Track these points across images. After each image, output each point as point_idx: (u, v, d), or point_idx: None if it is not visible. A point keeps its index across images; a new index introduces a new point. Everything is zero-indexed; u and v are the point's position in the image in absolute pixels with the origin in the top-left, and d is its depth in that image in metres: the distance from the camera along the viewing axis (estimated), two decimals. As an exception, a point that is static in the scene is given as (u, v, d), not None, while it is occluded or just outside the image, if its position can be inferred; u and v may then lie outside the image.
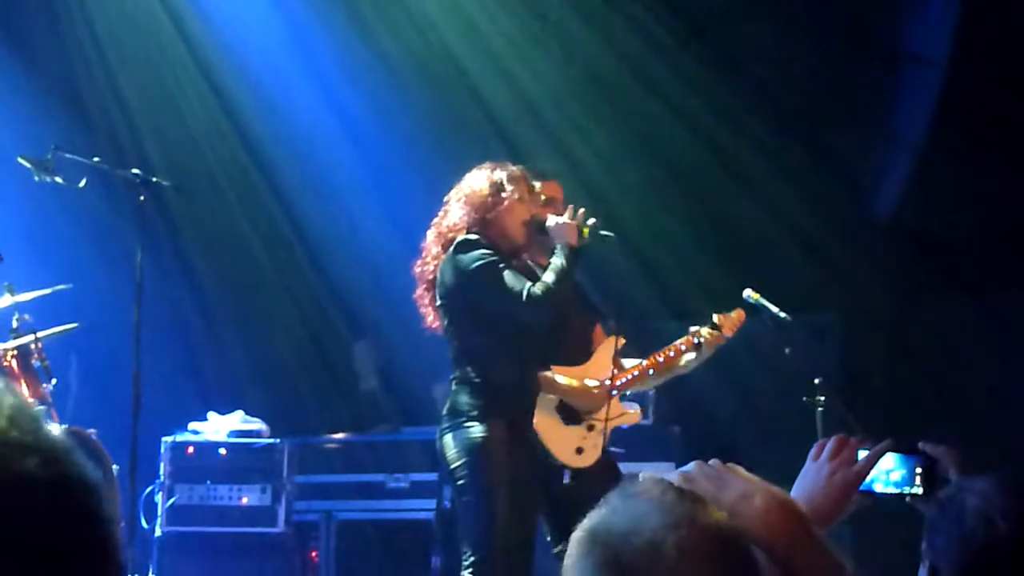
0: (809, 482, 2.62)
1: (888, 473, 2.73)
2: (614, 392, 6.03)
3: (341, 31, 9.69)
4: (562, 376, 5.91)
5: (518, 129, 9.46)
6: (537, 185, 6.05)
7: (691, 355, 6.16)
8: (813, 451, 2.69)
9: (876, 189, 9.47)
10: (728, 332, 6.23)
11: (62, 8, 9.55)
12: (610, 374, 6.01)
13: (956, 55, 8.68)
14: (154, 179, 7.11)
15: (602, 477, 5.80)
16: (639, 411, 6.24)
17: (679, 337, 6.16)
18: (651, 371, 6.18)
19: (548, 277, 5.79)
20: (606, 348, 6.11)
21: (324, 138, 9.81)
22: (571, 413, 5.91)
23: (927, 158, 8.93)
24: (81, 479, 1.04)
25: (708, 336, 6.14)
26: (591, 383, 5.96)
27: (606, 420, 5.96)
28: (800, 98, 9.08)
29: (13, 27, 9.48)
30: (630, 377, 6.14)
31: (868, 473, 2.60)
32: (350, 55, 9.72)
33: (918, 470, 2.74)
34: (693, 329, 6.17)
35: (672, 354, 6.16)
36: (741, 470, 2.13)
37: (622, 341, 6.24)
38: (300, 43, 9.76)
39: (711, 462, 2.12)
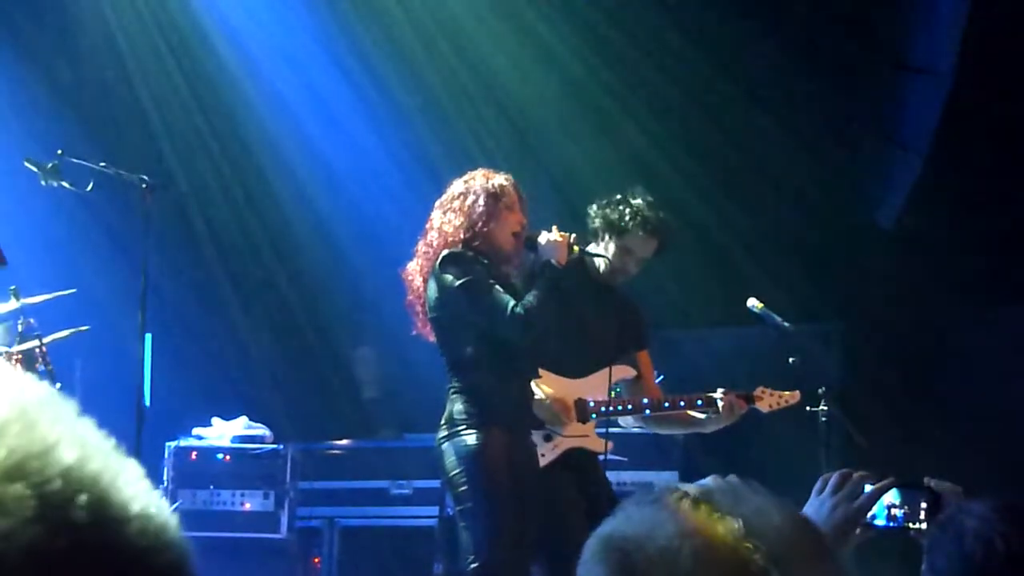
0: (812, 516, 2.65)
1: (891, 508, 2.74)
2: (594, 416, 6.08)
3: (347, 33, 9.71)
4: (538, 383, 5.96)
5: (520, 132, 9.49)
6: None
7: (704, 416, 6.19)
8: (817, 485, 2.71)
9: (881, 198, 9.48)
10: (764, 407, 6.23)
11: (68, 12, 9.57)
12: (595, 396, 6.07)
13: (962, 65, 8.68)
14: (160, 183, 7.12)
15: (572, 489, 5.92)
16: (603, 442, 6.19)
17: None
18: (648, 411, 6.22)
19: (533, 295, 5.77)
20: (615, 372, 6.14)
21: (332, 143, 9.82)
22: (534, 418, 5.96)
23: (932, 167, 8.93)
24: None
25: (730, 400, 6.13)
26: (543, 393, 5.98)
27: (565, 436, 6.01)
28: (805, 108, 9.08)
29: (18, 32, 9.50)
30: (616, 408, 6.17)
31: (870, 509, 2.61)
32: (358, 58, 9.74)
33: (923, 505, 2.73)
34: (723, 391, 6.18)
35: (683, 403, 6.19)
36: (759, 487, 2.13)
37: (631, 372, 6.28)
38: (307, 45, 9.78)
39: (729, 478, 2.12)
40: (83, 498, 0.75)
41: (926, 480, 2.77)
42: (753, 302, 6.81)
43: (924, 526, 2.71)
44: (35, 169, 6.81)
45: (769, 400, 6.26)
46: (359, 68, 9.74)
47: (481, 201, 5.84)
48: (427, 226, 5.98)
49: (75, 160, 6.90)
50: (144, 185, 6.89)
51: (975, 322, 8.69)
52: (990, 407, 8.45)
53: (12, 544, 0.71)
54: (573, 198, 6.79)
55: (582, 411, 6.08)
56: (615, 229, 6.19)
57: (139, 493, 0.80)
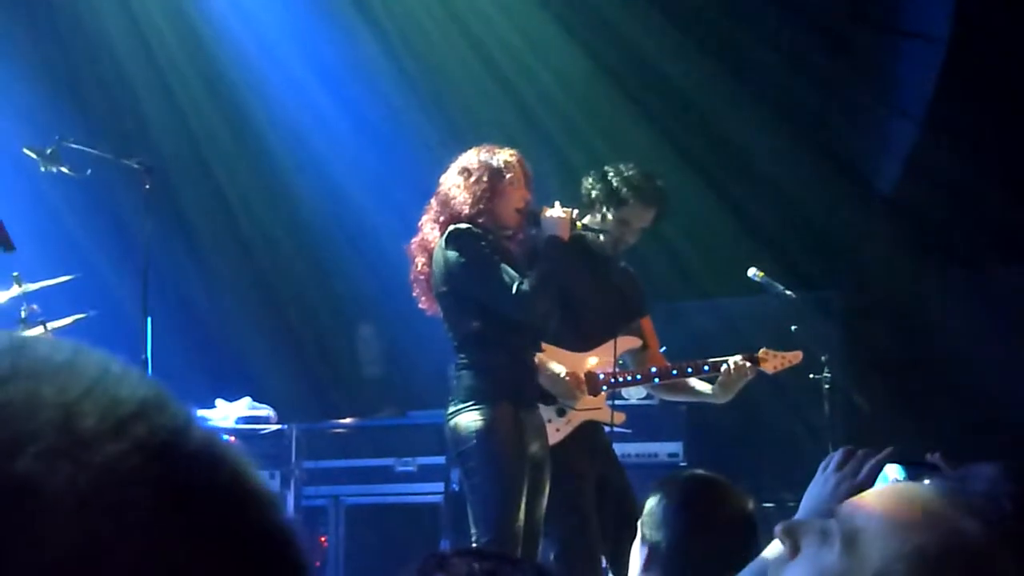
0: (816, 493, 2.72)
1: (895, 484, 2.75)
2: (604, 388, 6.10)
3: (343, 17, 9.70)
4: (547, 358, 5.97)
5: (522, 115, 9.48)
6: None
7: (716, 387, 6.20)
8: (823, 463, 2.75)
9: (878, 166, 9.48)
10: (769, 369, 6.25)
11: (69, 1, 9.56)
12: (603, 368, 6.09)
13: (956, 29, 8.68)
14: (158, 167, 7.12)
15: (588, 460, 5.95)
16: (615, 414, 6.22)
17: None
18: (656, 379, 6.25)
19: (537, 272, 5.78)
20: (620, 344, 6.16)
21: (327, 123, 9.82)
22: (546, 393, 5.97)
23: (928, 135, 8.94)
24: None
25: (736, 363, 6.15)
26: (558, 368, 6.00)
27: (577, 410, 6.03)
28: (800, 77, 9.08)
29: (14, 18, 9.49)
30: (625, 379, 6.20)
31: (873, 483, 2.64)
32: (353, 40, 9.74)
33: (926, 482, 2.74)
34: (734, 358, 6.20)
35: (690, 369, 6.21)
36: None
37: (637, 342, 6.30)
38: (302, 28, 9.78)
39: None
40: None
41: (928, 456, 2.79)
42: (754, 271, 6.83)
43: None
44: (34, 156, 6.82)
45: (773, 361, 6.28)
46: (358, 42, 9.73)
47: (485, 176, 5.82)
48: (431, 201, 5.98)
49: (73, 145, 6.91)
50: (142, 169, 6.90)
51: (972, 286, 8.70)
52: (988, 371, 8.47)
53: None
54: (576, 173, 6.78)
55: (592, 384, 6.10)
56: (612, 200, 6.19)
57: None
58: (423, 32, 9.69)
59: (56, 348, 0.75)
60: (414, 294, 6.02)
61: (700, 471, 3.70)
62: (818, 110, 9.16)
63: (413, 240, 6.00)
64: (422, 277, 5.95)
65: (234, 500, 0.73)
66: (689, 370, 6.27)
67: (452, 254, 5.77)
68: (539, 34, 9.56)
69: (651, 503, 3.38)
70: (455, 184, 5.88)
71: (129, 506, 0.69)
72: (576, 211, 6.03)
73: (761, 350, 6.27)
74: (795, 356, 6.38)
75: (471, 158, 5.92)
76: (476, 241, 5.77)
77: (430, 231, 5.93)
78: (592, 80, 9.59)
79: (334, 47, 9.80)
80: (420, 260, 5.95)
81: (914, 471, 2.75)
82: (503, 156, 5.89)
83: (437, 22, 9.63)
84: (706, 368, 6.25)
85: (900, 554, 1.56)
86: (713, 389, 6.29)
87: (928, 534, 1.59)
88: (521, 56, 9.64)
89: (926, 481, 2.73)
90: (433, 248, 5.86)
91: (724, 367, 6.17)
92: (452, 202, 5.85)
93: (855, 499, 1.70)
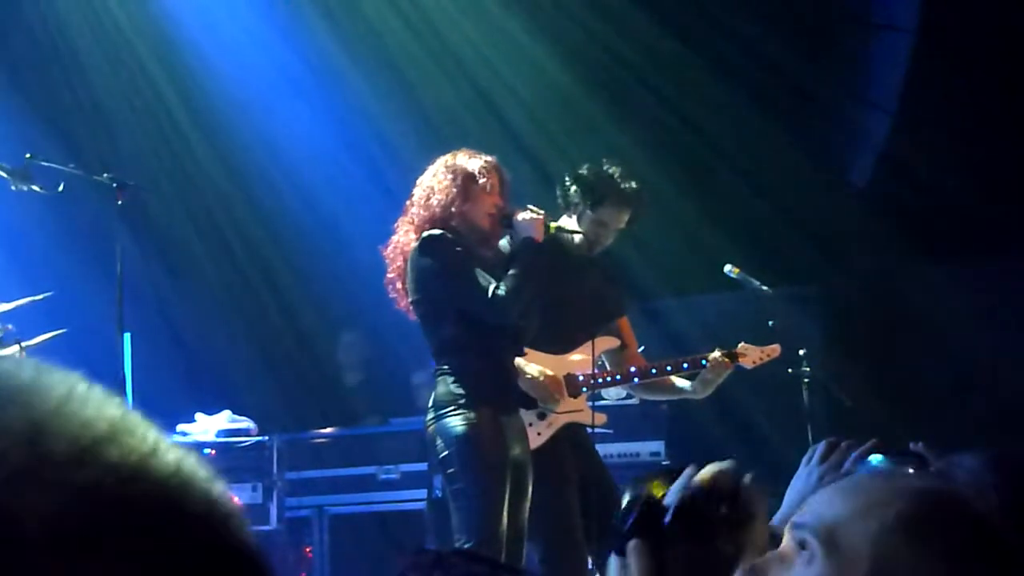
0: (800, 487, 2.72)
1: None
2: (584, 389, 6.10)
3: (318, 26, 9.69)
4: (526, 362, 5.97)
5: (495, 118, 9.48)
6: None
7: (695, 383, 6.20)
8: (806, 455, 2.74)
9: (852, 159, 9.50)
10: (748, 363, 6.26)
11: (34, 16, 9.52)
12: (582, 370, 6.09)
13: (926, 22, 8.70)
14: (130, 182, 7.09)
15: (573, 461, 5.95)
16: (596, 415, 6.21)
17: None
18: (636, 379, 6.25)
19: (512, 276, 5.79)
20: (599, 344, 6.16)
21: (303, 132, 9.80)
22: (527, 397, 5.95)
23: (901, 126, 8.96)
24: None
25: (715, 359, 6.15)
26: (537, 371, 5.99)
27: (558, 413, 6.02)
28: (774, 69, 9.09)
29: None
30: (605, 380, 6.21)
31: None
32: (330, 50, 9.72)
33: (911, 471, 2.74)
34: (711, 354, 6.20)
35: (669, 368, 6.22)
36: None
37: (615, 342, 6.30)
38: (277, 38, 9.75)
39: None
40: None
41: (912, 445, 2.78)
42: (730, 267, 6.84)
43: None
44: (5, 175, 6.77)
45: (752, 356, 6.30)
46: (333, 52, 9.71)
47: (459, 180, 5.84)
48: (407, 203, 5.99)
49: (44, 163, 6.87)
50: (114, 185, 6.86)
51: (948, 279, 8.72)
52: (967, 362, 8.50)
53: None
54: (550, 176, 6.78)
55: (572, 386, 6.10)
56: (588, 202, 6.19)
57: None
58: (397, 39, 9.68)
59: (20, 367, 0.74)
60: (391, 295, 6.02)
61: (672, 465, 3.69)
62: (792, 104, 9.17)
63: (389, 242, 6.00)
64: (399, 279, 5.95)
65: (206, 522, 0.73)
66: (668, 368, 6.27)
67: (426, 260, 5.76)
68: (510, 36, 9.55)
69: (624, 500, 3.38)
70: (430, 186, 5.90)
71: (103, 531, 0.68)
72: (546, 215, 6.03)
73: (740, 345, 6.29)
74: (773, 350, 6.40)
75: (448, 161, 5.93)
76: (450, 246, 5.77)
77: (404, 234, 5.93)
78: (564, 79, 9.59)
79: (310, 56, 9.77)
80: (396, 263, 5.95)
81: (898, 461, 2.74)
82: (479, 161, 5.90)
83: (411, 29, 9.62)
84: (685, 366, 6.25)
85: (886, 527, 1.56)
86: (692, 385, 6.30)
87: (899, 502, 1.59)
88: (493, 59, 9.63)
89: (910, 471, 2.73)
90: (408, 251, 5.86)
91: (703, 364, 6.18)
92: (427, 203, 5.86)
93: (805, 508, 1.70)
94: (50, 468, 0.68)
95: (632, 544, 1.75)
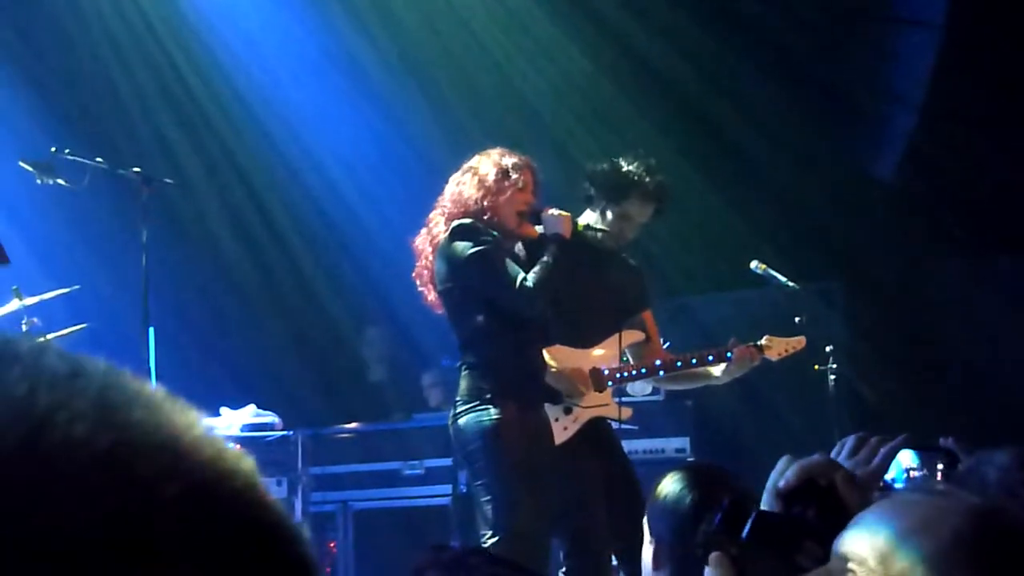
0: None
1: (909, 471, 2.73)
2: (610, 383, 6.07)
3: (346, 21, 9.69)
4: (552, 356, 5.95)
5: (522, 113, 9.48)
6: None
7: (719, 368, 6.17)
8: (835, 450, 2.72)
9: (878, 154, 9.46)
10: (773, 355, 6.22)
11: (61, 11, 9.53)
12: (608, 364, 6.06)
13: (952, 16, 8.66)
14: (155, 177, 7.09)
15: (596, 460, 5.92)
16: (623, 409, 6.19)
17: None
18: (662, 371, 6.21)
19: (539, 268, 5.81)
20: (625, 338, 6.14)
21: (327, 128, 9.80)
22: (553, 392, 5.94)
23: (928, 121, 8.92)
24: None
25: (741, 351, 6.12)
26: (563, 365, 5.97)
27: (584, 407, 5.99)
28: (799, 64, 9.06)
29: (10, 31, 9.47)
30: (630, 373, 6.17)
31: (886, 470, 2.60)
32: (356, 44, 9.72)
33: (939, 466, 2.72)
34: (732, 341, 6.17)
35: (695, 360, 6.18)
36: None
37: (640, 336, 6.27)
38: (304, 32, 9.76)
39: None
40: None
41: (941, 441, 2.77)
42: (756, 264, 6.82)
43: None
44: (30, 169, 6.79)
45: (777, 348, 6.25)
46: (356, 50, 9.72)
47: (492, 176, 5.88)
48: (439, 198, 6.03)
49: (69, 157, 6.87)
50: (140, 179, 6.87)
51: (973, 273, 8.69)
52: (991, 357, 8.46)
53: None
54: (577, 171, 6.75)
55: (598, 380, 6.07)
56: (613, 196, 6.17)
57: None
58: (425, 33, 9.67)
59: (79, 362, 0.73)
60: (419, 288, 6.03)
61: (698, 460, 3.68)
62: (818, 99, 9.13)
63: (419, 234, 6.02)
64: (427, 272, 5.96)
65: (275, 537, 0.73)
66: (694, 361, 6.24)
67: (457, 246, 5.79)
68: (538, 31, 9.54)
69: (652, 496, 3.37)
70: (464, 180, 5.94)
71: (196, 547, 0.68)
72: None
73: (765, 337, 6.25)
74: (799, 342, 6.35)
75: (482, 157, 5.99)
76: (481, 235, 5.79)
77: (435, 226, 5.96)
78: (592, 77, 9.57)
79: (336, 52, 9.77)
80: (426, 254, 5.97)
81: (927, 456, 2.72)
82: (512, 159, 5.95)
83: (435, 25, 9.61)
84: (710, 358, 6.21)
85: (942, 547, 1.54)
86: (716, 374, 6.26)
87: (953, 519, 1.57)
88: (522, 54, 9.62)
89: (939, 466, 2.71)
90: (438, 243, 5.87)
91: (728, 356, 6.15)
92: (459, 196, 5.91)
93: (851, 527, 1.67)
94: (137, 486, 0.68)
95: (713, 556, 1.74)
